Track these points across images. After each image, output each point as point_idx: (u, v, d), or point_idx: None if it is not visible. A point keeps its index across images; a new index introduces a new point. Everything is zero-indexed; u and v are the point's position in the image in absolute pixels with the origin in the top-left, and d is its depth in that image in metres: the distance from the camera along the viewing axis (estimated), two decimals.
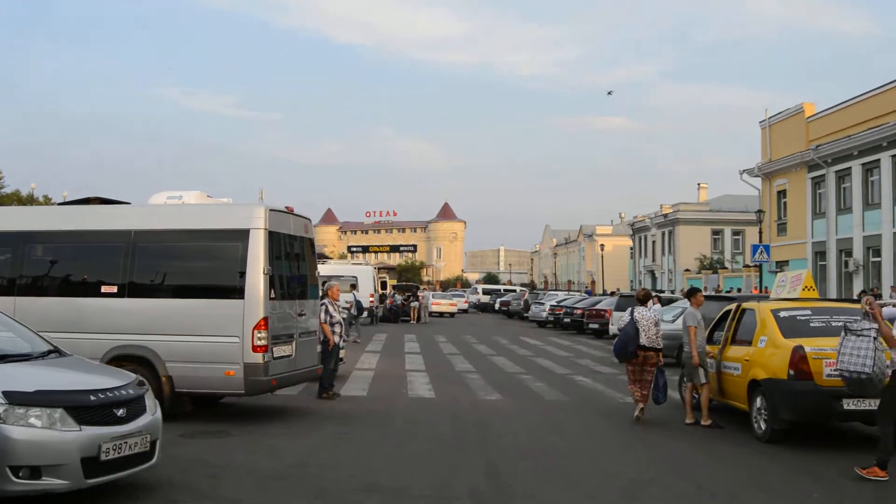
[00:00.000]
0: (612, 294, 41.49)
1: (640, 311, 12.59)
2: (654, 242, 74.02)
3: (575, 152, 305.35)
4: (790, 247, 40.09)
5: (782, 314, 11.95)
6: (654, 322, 12.51)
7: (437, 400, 14.82)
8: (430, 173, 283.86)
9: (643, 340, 12.43)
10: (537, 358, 23.72)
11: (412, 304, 45.25)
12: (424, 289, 58.99)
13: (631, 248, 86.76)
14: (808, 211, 38.78)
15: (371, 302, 39.04)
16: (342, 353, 16.91)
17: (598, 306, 35.63)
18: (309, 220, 13.45)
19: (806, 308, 12.10)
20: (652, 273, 73.92)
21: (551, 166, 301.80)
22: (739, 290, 46.91)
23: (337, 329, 14.88)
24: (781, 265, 40.78)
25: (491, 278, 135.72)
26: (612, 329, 30.11)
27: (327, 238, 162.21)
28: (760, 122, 43.05)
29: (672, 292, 57.67)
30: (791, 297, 12.84)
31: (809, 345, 11.03)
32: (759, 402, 11.55)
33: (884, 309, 11.54)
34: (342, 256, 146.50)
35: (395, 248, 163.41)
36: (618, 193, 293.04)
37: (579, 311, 36.49)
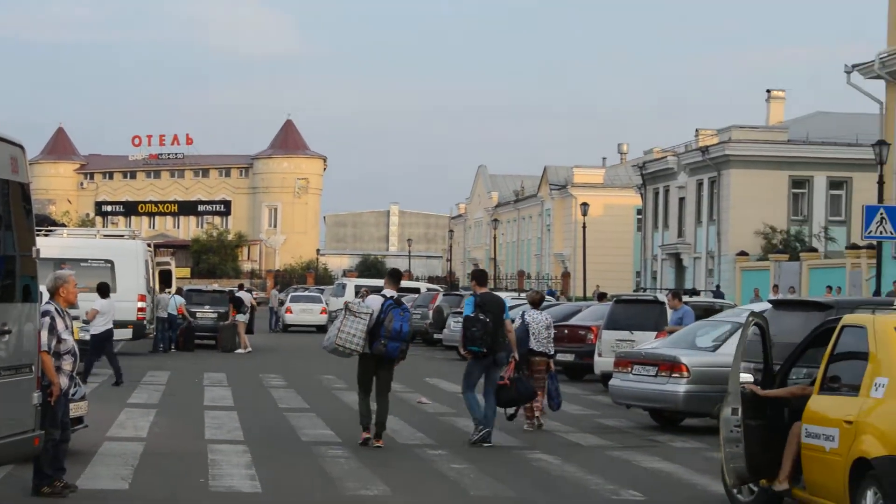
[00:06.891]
0: (602, 297, 42.11)
1: (531, 315, 22.33)
2: (681, 201, 75.27)
3: (535, 30, 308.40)
4: None
5: None
6: (546, 326, 22.28)
7: (265, 499, 15.03)
8: (260, 62, 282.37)
9: (533, 344, 21.92)
10: (456, 418, 23.98)
11: (237, 319, 45.48)
12: (243, 286, 59.01)
13: (639, 212, 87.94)
14: None
15: (141, 311, 38.78)
16: (81, 408, 16.72)
17: (574, 320, 36.06)
18: (20, 147, 13.40)
19: None
20: (677, 258, 75.19)
21: (487, 56, 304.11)
22: (840, 290, 48.04)
23: (67, 364, 14.71)
24: None
25: (372, 266, 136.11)
26: (600, 361, 30.86)
27: (58, 185, 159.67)
28: None
29: (715, 290, 58.73)
30: None
31: None
32: (870, 499, 11.91)
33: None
34: (86, 222, 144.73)
35: (188, 208, 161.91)
36: (615, 107, 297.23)
37: None
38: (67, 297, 14.98)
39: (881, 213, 35.69)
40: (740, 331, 14.38)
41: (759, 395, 13.76)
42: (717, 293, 54.34)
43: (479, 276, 21.00)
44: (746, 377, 20.06)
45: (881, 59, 43.25)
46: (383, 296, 19.25)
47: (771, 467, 13.60)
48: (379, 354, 19.02)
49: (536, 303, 22.92)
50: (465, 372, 20.39)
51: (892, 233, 36.14)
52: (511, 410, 21.63)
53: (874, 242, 40.55)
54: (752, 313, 15.13)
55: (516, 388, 20.47)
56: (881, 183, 38.99)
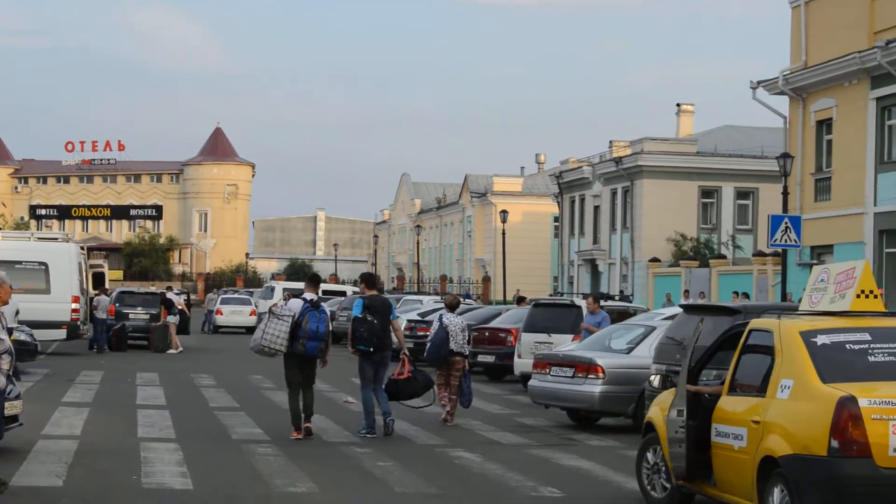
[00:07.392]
0: (521, 301, 42.29)
1: (448, 318, 23.13)
2: (596, 209, 75.67)
3: (456, 44, 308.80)
4: (837, 220, 41.77)
5: (820, 340, 12.50)
6: (462, 329, 23.12)
7: (195, 495, 15.03)
8: (189, 75, 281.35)
9: (452, 346, 22.77)
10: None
11: (169, 320, 45.32)
12: (171, 289, 58.66)
13: (556, 219, 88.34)
14: (871, 156, 40.46)
15: (75, 311, 38.56)
16: (16, 407, 16.64)
17: (494, 323, 36.23)
18: None
19: (861, 329, 12.69)
20: (593, 263, 75.56)
21: (410, 69, 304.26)
22: (746, 295, 48.55)
23: (4, 363, 14.63)
24: (821, 253, 42.41)
25: (300, 270, 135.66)
26: (519, 362, 31.11)
27: None
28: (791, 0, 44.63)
29: (626, 294, 59.12)
30: (836, 311, 13.41)
31: (866, 394, 11.57)
32: (777, 496, 12.05)
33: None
34: (20, 225, 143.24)
35: (121, 212, 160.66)
36: (534, 120, 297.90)
37: None
38: (4, 297, 14.90)
39: (786, 223, 36.28)
40: (692, 333, 14.33)
41: (695, 396, 13.76)
42: (623, 297, 54.86)
43: (367, 280, 22.03)
44: (656, 378, 20.34)
45: (784, 76, 43.81)
46: (303, 299, 20.34)
47: (704, 467, 13.62)
48: (299, 354, 20.13)
49: (453, 307, 23.92)
50: (358, 368, 21.24)
51: (796, 241, 36.75)
52: (424, 402, 22.28)
53: (779, 250, 41.12)
54: (701, 319, 15.28)
55: (417, 380, 21.66)
56: (785, 194, 39.49)
